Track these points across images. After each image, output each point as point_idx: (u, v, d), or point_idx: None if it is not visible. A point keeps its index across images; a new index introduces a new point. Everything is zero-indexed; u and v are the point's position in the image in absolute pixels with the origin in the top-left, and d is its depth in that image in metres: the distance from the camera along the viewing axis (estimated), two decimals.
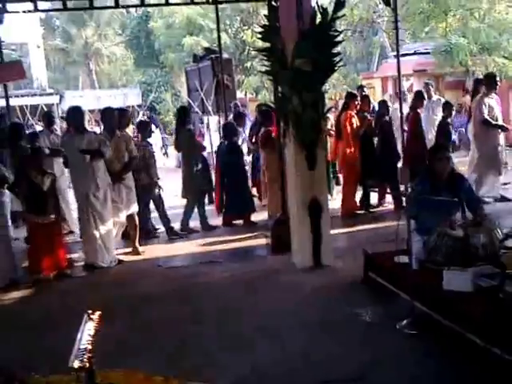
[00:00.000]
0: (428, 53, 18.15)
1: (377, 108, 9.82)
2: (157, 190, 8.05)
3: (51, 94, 25.15)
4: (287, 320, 4.78)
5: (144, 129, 8.42)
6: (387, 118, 8.97)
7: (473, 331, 3.75)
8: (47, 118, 9.33)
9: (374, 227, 7.81)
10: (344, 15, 6.88)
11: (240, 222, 8.64)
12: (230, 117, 10.53)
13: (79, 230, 7.10)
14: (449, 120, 9.17)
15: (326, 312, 4.91)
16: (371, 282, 5.29)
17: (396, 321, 4.39)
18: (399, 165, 8.91)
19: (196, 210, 8.40)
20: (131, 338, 4.65)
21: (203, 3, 11.46)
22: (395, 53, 12.25)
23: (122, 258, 7.13)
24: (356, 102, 8.86)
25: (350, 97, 8.98)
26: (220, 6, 11.37)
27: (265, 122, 8.60)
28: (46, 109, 21.17)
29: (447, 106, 9.32)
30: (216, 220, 8.71)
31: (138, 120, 11.47)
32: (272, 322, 4.75)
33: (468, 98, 12.33)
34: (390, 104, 9.75)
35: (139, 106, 25.16)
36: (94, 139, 6.84)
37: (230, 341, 4.47)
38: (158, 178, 8.09)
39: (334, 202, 8.97)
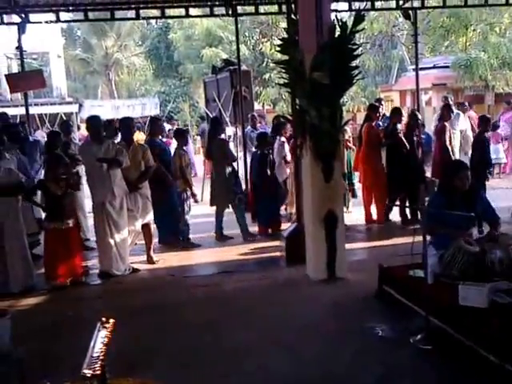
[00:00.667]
0: (447, 67, 18.11)
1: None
2: (190, 198, 8.10)
3: (70, 103, 25.47)
4: (301, 332, 4.76)
5: (181, 137, 8.47)
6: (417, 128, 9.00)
7: (488, 348, 3.71)
8: (65, 127, 9.45)
9: (391, 240, 7.75)
10: (363, 29, 6.90)
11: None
12: (248, 127, 10.59)
13: (95, 237, 7.14)
14: (486, 135, 8.78)
15: (341, 325, 4.89)
16: (386, 296, 5.25)
17: (410, 335, 4.36)
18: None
19: (235, 218, 8.45)
20: (143, 347, 4.65)
21: (223, 15, 11.55)
22: (414, 66, 12.28)
23: (136, 266, 7.17)
24: (378, 114, 9.00)
25: (372, 108, 9.08)
26: (239, 19, 11.47)
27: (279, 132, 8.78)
28: (65, 118, 21.47)
29: (484, 120, 8.81)
30: (253, 228, 8.73)
31: (175, 128, 11.50)
32: (286, 334, 4.74)
33: None
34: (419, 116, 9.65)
35: (157, 116, 25.37)
36: (111, 148, 6.91)
37: (242, 352, 4.46)
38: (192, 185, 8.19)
39: (350, 214, 8.93)
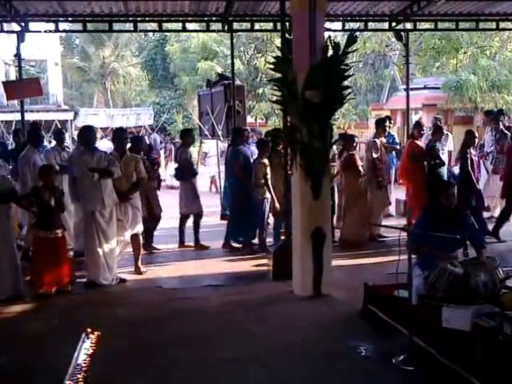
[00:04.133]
0: (438, 88, 18.33)
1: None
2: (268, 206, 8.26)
3: (66, 111, 25.49)
4: (284, 350, 4.76)
5: (265, 146, 8.51)
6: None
7: (470, 371, 3.73)
8: (58, 135, 9.49)
9: (380, 258, 7.78)
10: (356, 50, 7.01)
11: None
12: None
13: (84, 247, 7.14)
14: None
15: (324, 344, 4.91)
16: (371, 315, 5.26)
17: (393, 355, 4.38)
18: None
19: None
20: (124, 359, 4.63)
21: (219, 31, 11.65)
22: (405, 86, 12.42)
23: (124, 276, 7.16)
24: (421, 132, 9.34)
25: (416, 126, 9.42)
26: (235, 34, 11.58)
27: (347, 147, 8.88)
28: (59, 125, 21.45)
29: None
30: None
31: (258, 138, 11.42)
32: (267, 351, 4.74)
33: None
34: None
35: (151, 126, 25.42)
36: (103, 158, 6.93)
37: (223, 369, 4.43)
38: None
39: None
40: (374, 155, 8.92)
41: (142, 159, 7.66)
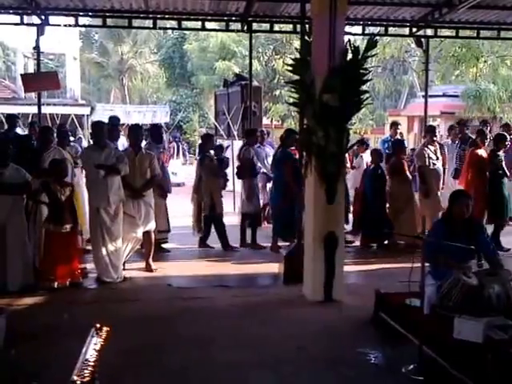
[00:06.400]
0: (457, 96, 18.22)
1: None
2: None
3: (83, 106, 25.62)
4: (292, 355, 4.73)
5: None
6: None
7: (480, 383, 3.68)
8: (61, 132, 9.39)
9: (391, 265, 7.72)
10: (375, 55, 6.96)
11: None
12: None
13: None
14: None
15: (333, 349, 4.87)
16: (381, 322, 5.21)
17: (403, 364, 4.33)
18: None
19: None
20: (130, 356, 4.60)
21: (238, 31, 11.66)
22: (424, 93, 12.35)
23: (134, 273, 7.17)
24: (485, 140, 9.21)
25: (480, 134, 9.27)
26: (254, 34, 11.58)
27: (397, 151, 8.95)
28: (76, 120, 21.59)
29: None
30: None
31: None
32: (276, 356, 4.70)
33: None
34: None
35: (167, 124, 25.51)
36: (112, 155, 6.91)
37: (229, 371, 4.39)
38: None
39: None
40: (422, 163, 8.95)
41: (156, 157, 7.67)
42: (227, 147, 11.45)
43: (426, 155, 9.00)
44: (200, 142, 8.04)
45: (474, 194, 8.82)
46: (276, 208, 8.68)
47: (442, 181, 9.30)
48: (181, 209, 9.49)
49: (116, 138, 8.61)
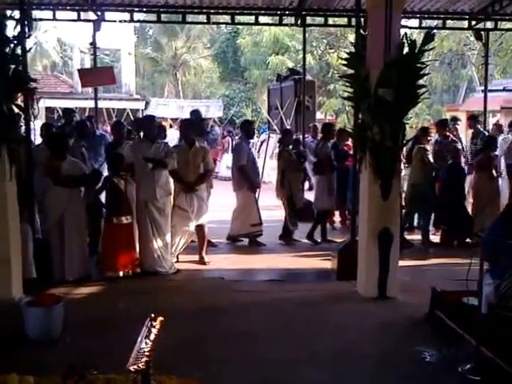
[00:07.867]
0: None
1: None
2: None
3: (138, 100, 26.07)
4: (344, 351, 4.68)
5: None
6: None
7: None
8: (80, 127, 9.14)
9: (448, 261, 7.58)
10: (432, 48, 6.80)
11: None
12: (308, 137, 10.57)
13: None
14: None
15: (386, 346, 4.81)
16: (437, 321, 5.12)
17: (459, 364, 4.24)
18: None
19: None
20: (185, 347, 4.66)
21: (292, 25, 11.59)
22: (483, 87, 11.97)
23: (187, 266, 7.27)
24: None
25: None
26: (308, 28, 11.49)
27: (487, 147, 8.86)
28: (131, 114, 22.02)
29: None
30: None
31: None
32: (327, 352, 4.66)
33: None
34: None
35: (220, 118, 25.67)
36: (161, 149, 7.01)
37: (278, 369, 4.36)
38: None
39: None
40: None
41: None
42: (262, 141, 11.48)
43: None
44: (280, 136, 8.20)
45: None
46: None
47: None
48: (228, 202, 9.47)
49: (204, 132, 8.76)
